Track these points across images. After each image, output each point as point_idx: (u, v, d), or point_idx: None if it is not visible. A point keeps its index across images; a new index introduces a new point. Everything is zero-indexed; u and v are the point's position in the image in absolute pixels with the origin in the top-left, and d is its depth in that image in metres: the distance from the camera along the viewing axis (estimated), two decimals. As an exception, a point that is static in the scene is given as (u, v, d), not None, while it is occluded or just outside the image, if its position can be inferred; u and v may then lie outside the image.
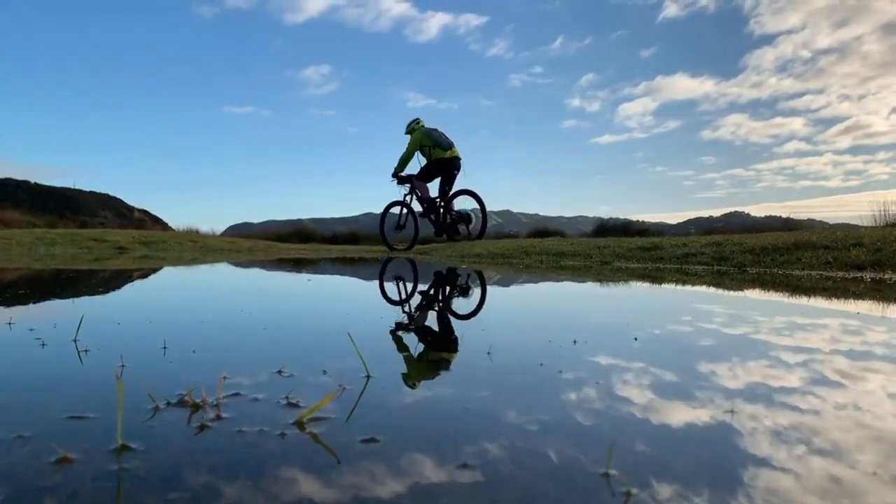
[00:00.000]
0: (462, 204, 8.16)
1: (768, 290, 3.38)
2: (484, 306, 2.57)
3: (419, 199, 8.10)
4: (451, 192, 7.98)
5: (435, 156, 7.75)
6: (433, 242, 9.39)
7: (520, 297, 3.20)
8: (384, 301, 2.66)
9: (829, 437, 0.83)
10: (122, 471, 0.66)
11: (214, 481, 0.64)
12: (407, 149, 7.88)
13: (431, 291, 3.28)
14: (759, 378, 1.18)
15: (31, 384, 1.03)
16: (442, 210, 8.01)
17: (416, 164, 8.03)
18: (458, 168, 7.83)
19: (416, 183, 7.99)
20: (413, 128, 8.00)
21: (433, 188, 8.05)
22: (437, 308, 2.43)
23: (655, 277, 4.38)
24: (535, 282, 4.20)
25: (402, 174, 8.02)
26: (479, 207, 7.93)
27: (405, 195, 8.20)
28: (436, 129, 7.87)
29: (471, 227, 8.09)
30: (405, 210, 8.20)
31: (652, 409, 0.94)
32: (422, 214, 8.20)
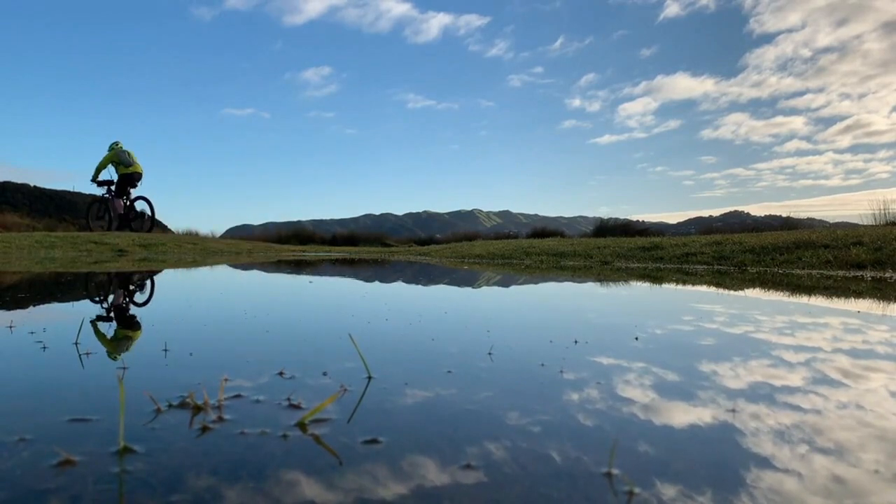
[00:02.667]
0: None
1: (769, 290, 3.38)
2: (482, 307, 2.57)
3: (113, 201, 11.60)
4: (132, 197, 11.63)
5: (120, 171, 11.41)
6: (431, 244, 9.42)
7: (520, 297, 3.20)
8: (380, 301, 2.66)
9: (832, 436, 0.83)
10: (124, 473, 0.66)
11: (217, 483, 0.64)
12: (101, 161, 11.42)
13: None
14: (760, 377, 1.18)
15: (33, 387, 1.03)
16: (127, 209, 11.65)
17: (113, 173, 11.64)
18: (137, 180, 11.54)
19: (111, 189, 11.56)
20: (112, 147, 11.51)
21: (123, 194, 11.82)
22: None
23: (656, 277, 4.38)
24: (536, 282, 4.20)
25: (98, 179, 11.56)
26: (150, 210, 11.68)
27: (103, 194, 11.78)
28: (125, 151, 11.42)
29: (144, 223, 11.67)
30: (103, 205, 11.87)
31: (653, 408, 0.94)
32: (119, 216, 11.59)
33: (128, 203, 11.67)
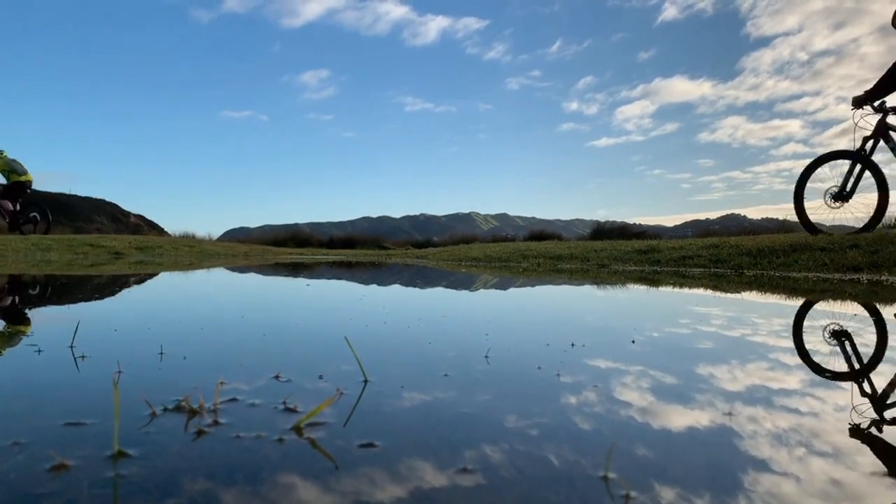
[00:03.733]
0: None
1: (766, 293, 3.39)
2: (479, 310, 2.57)
3: (1, 205, 12.05)
4: (23, 202, 12.07)
5: (12, 178, 11.79)
6: (428, 247, 9.44)
7: (517, 301, 3.20)
8: (377, 304, 2.65)
9: (829, 439, 0.83)
10: (118, 477, 0.65)
11: (212, 488, 0.63)
12: None
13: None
14: (758, 381, 1.18)
15: (27, 391, 1.03)
16: (17, 214, 12.04)
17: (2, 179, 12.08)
18: (29, 188, 12.10)
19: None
20: None
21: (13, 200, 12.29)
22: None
23: (653, 280, 4.39)
24: (533, 285, 4.20)
25: None
26: (46, 214, 12.40)
27: None
28: (15, 160, 11.88)
29: (38, 227, 12.22)
30: None
31: (650, 412, 0.94)
32: (8, 222, 12.09)
33: (19, 209, 12.03)
